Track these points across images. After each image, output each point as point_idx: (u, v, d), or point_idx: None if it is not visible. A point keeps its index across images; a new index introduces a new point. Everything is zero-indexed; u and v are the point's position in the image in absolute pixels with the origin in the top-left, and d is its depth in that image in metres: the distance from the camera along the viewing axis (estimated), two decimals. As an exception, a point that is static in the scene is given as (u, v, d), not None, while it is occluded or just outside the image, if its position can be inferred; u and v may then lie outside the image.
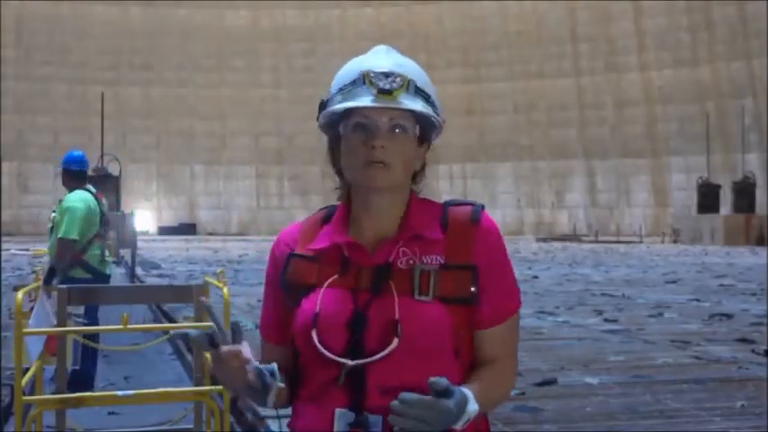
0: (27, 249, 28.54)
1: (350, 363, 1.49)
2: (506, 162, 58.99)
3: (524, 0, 59.24)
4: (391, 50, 1.63)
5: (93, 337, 6.21)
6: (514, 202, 59.04)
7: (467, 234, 1.56)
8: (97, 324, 5.70)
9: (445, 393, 1.39)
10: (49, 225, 6.71)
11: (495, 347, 1.58)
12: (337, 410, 1.49)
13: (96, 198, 6.57)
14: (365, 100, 1.53)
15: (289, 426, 1.60)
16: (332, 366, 1.51)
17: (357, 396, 1.49)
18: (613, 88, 57.38)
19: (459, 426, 1.43)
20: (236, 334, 1.46)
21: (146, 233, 50.45)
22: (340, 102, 1.56)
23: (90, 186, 6.62)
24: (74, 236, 6.24)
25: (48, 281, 6.28)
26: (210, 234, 57.10)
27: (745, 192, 42.01)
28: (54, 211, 6.62)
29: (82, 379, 6.29)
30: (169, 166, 61.31)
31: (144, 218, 53.79)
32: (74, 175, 6.59)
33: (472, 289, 1.53)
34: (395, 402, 1.38)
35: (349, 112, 1.55)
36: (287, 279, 1.60)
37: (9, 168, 54.02)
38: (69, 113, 58.69)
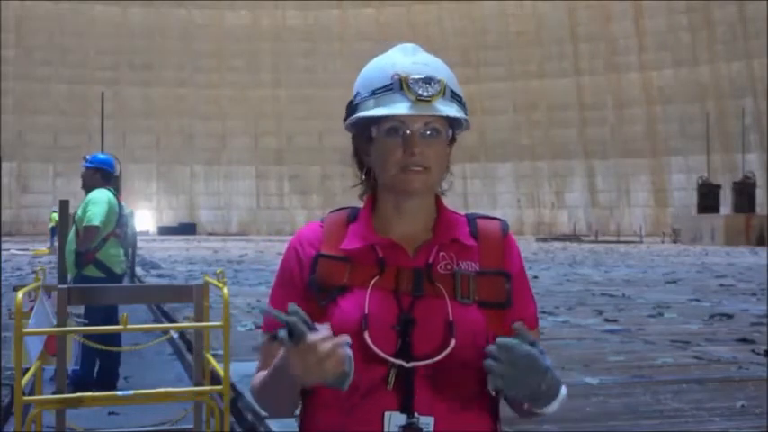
0: (27, 249, 28.58)
1: (406, 365, 1.48)
2: (506, 162, 59.03)
3: (524, 0, 59.28)
4: (419, 49, 1.61)
5: (117, 336, 6.31)
6: (514, 202, 59.07)
7: (499, 244, 1.60)
8: (117, 323, 5.76)
9: (533, 345, 1.45)
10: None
11: None
12: (387, 413, 1.47)
13: (117, 199, 6.74)
14: (402, 107, 1.51)
15: (302, 429, 1.58)
16: (378, 369, 1.49)
17: (407, 398, 1.48)
18: (613, 88, 57.41)
19: (554, 405, 1.56)
20: (303, 323, 1.36)
21: (146, 233, 50.50)
22: (373, 107, 1.53)
23: (111, 188, 6.80)
24: (96, 222, 6.42)
25: (79, 265, 6.41)
26: (210, 234, 57.12)
27: (745, 192, 42.00)
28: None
29: (106, 378, 6.35)
30: (169, 166, 61.33)
31: (144, 218, 53.83)
32: (105, 175, 6.83)
33: (507, 294, 1.56)
34: (491, 346, 1.42)
35: (381, 117, 1.54)
36: (317, 279, 1.55)
37: (9, 168, 54.02)
38: (69, 113, 58.72)
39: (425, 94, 1.51)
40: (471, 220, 1.62)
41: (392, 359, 1.48)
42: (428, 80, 1.52)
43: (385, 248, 1.55)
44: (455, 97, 1.56)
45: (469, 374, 1.50)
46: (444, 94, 1.53)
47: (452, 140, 1.60)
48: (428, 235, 1.57)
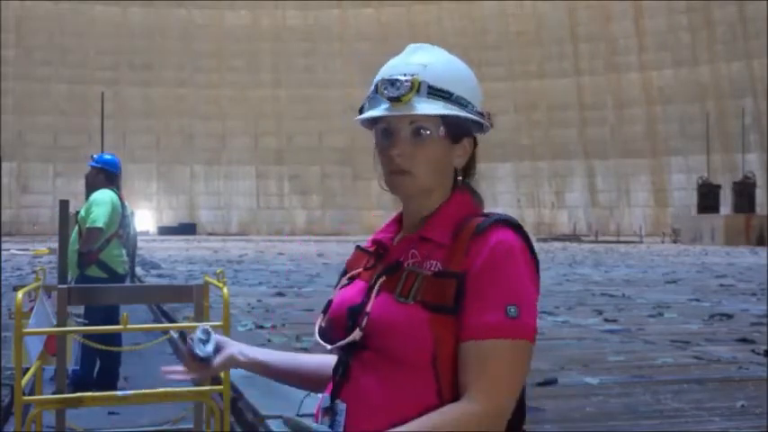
0: (27, 249, 28.57)
1: (328, 347, 1.57)
2: (506, 162, 58.98)
3: (524, 0, 59.26)
4: (419, 49, 1.61)
5: (118, 336, 6.32)
6: (514, 202, 59.04)
7: (464, 243, 1.50)
8: (117, 323, 5.77)
9: None
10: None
11: (468, 370, 1.45)
12: (323, 394, 1.59)
13: (120, 199, 6.75)
14: (380, 109, 1.54)
15: None
16: (337, 355, 1.59)
17: (339, 384, 1.55)
18: (613, 88, 57.38)
19: None
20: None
21: (146, 233, 50.48)
22: (366, 110, 1.59)
23: (115, 188, 6.80)
24: (100, 224, 6.40)
25: (81, 266, 6.42)
26: (210, 234, 57.10)
27: (745, 192, 41.96)
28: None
29: (106, 378, 6.36)
30: (169, 166, 61.30)
31: (144, 218, 53.81)
32: (109, 176, 6.85)
33: (454, 298, 1.46)
34: None
35: (376, 118, 1.57)
36: (345, 267, 1.70)
37: (9, 168, 53.97)
38: (69, 113, 58.68)
39: (393, 95, 1.52)
40: (468, 219, 1.57)
41: (319, 340, 1.59)
42: (393, 81, 1.52)
43: (379, 245, 1.63)
44: (437, 93, 1.54)
45: (397, 373, 1.47)
46: (419, 91, 1.52)
47: (460, 138, 1.60)
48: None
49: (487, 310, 1.45)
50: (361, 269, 1.63)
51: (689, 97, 54.25)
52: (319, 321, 1.61)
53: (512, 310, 1.44)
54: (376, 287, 1.53)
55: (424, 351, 1.46)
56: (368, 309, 1.51)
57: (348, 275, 1.65)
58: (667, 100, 55.45)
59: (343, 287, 1.63)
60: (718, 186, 44.02)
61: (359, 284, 1.60)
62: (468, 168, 1.65)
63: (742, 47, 52.21)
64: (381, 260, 1.60)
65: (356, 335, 1.50)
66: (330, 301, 1.61)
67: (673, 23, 55.31)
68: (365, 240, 1.72)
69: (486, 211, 1.63)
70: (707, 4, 53.17)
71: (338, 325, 1.56)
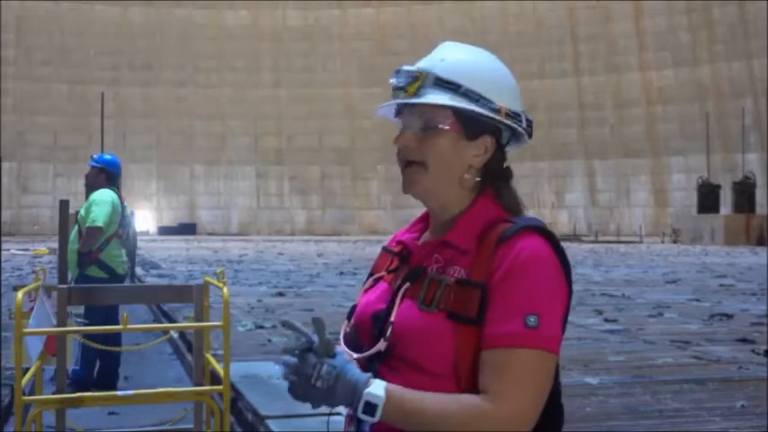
0: (27, 249, 28.57)
1: (355, 355, 1.52)
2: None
3: (524, 0, 59.27)
4: (449, 46, 1.56)
5: (118, 336, 6.33)
6: (514, 202, 59.03)
7: (490, 251, 1.45)
8: (117, 323, 5.77)
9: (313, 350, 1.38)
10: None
11: (485, 377, 1.41)
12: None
13: (120, 199, 6.77)
14: (392, 99, 1.55)
15: None
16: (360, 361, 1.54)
17: None
18: (613, 88, 57.39)
19: (351, 407, 1.39)
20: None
21: (146, 233, 50.48)
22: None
23: (115, 188, 6.82)
24: (100, 223, 6.42)
25: (81, 266, 6.44)
26: (210, 234, 57.09)
27: (745, 192, 41.96)
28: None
29: (106, 378, 6.36)
30: (169, 166, 61.31)
31: (144, 218, 53.80)
32: (109, 176, 6.87)
33: (477, 309, 1.42)
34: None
35: (397, 115, 1.58)
36: (371, 270, 1.65)
37: (9, 168, 53.96)
38: (69, 113, 58.68)
39: (397, 84, 1.51)
40: (493, 224, 1.50)
41: (345, 348, 1.54)
42: (398, 71, 1.51)
43: (404, 246, 1.60)
44: (445, 85, 1.49)
45: (421, 381, 1.44)
46: (424, 83, 1.49)
47: (472, 135, 1.51)
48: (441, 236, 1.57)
49: (507, 320, 1.40)
50: (384, 272, 1.59)
51: (689, 97, 54.26)
52: (344, 327, 1.58)
53: (531, 319, 1.40)
54: (400, 294, 1.50)
55: (445, 360, 1.43)
56: (392, 318, 1.47)
57: (374, 277, 1.61)
58: (667, 100, 55.47)
59: (367, 290, 1.60)
60: (718, 186, 44.01)
61: (382, 286, 1.57)
62: (495, 170, 1.59)
63: (742, 47, 52.21)
64: (405, 263, 1.56)
65: (381, 346, 1.47)
66: (354, 306, 1.59)
67: (673, 23, 55.32)
68: (368, 239, 1.70)
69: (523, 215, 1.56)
70: (707, 4, 53.18)
71: (364, 331, 1.53)
